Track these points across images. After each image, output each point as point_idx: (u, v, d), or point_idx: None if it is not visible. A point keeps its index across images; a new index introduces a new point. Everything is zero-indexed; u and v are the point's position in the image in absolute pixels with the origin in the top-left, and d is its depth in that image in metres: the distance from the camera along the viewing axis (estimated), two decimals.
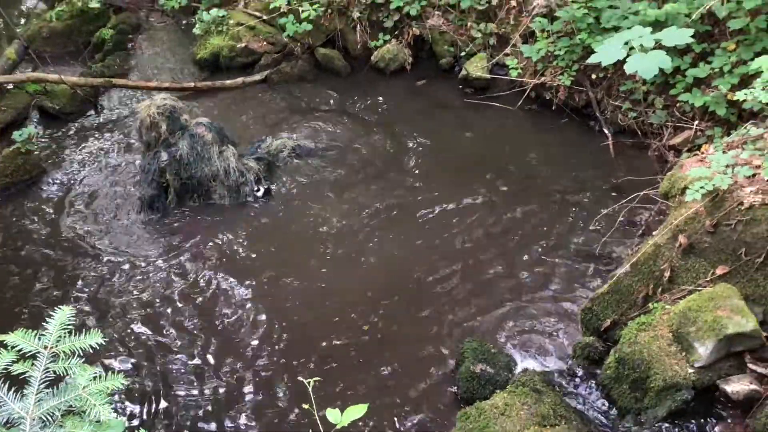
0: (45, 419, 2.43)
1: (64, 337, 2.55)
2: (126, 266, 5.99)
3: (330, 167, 7.23)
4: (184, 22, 9.68)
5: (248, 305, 5.59)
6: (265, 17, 8.89)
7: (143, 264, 6.01)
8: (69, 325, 2.57)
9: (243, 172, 6.81)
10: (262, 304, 5.61)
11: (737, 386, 4.37)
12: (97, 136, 7.69)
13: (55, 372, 2.49)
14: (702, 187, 4.68)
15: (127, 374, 4.88)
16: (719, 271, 4.68)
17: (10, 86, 7.80)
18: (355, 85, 8.57)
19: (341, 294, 5.73)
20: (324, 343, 5.27)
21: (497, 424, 4.28)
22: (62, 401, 2.47)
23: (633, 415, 4.52)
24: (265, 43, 8.80)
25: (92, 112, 8.11)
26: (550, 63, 7.72)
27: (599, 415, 4.63)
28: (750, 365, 4.41)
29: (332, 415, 2.97)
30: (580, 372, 4.91)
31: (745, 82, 6.14)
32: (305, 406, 3.03)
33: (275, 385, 4.95)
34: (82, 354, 2.51)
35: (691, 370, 4.38)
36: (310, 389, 3.01)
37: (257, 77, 8.51)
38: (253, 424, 4.69)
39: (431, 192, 6.78)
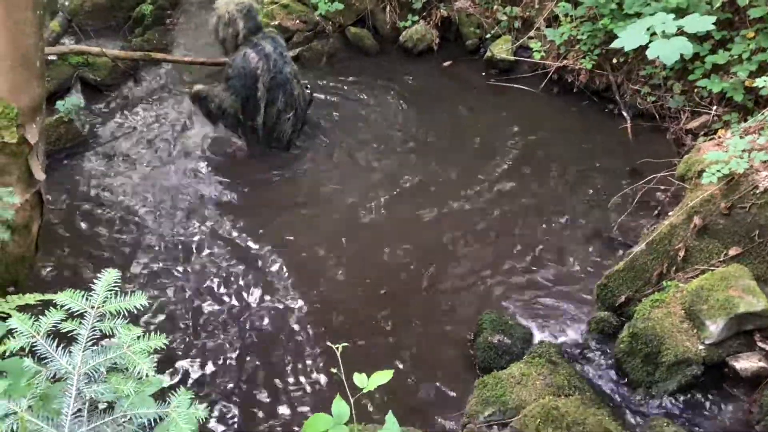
0: (91, 375, 2.48)
1: (110, 298, 2.58)
2: (166, 232, 6.03)
3: (358, 137, 7.28)
4: None
5: (282, 271, 5.64)
6: None
7: (182, 230, 6.06)
8: (114, 287, 2.60)
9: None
10: (295, 272, 5.65)
11: (746, 363, 4.37)
12: (135, 107, 7.70)
13: (101, 331, 2.54)
14: (718, 171, 4.65)
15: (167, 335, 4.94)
16: (732, 252, 4.66)
17: (54, 58, 7.81)
18: (383, 63, 8.53)
19: (360, 263, 5.76)
20: (345, 310, 5.31)
21: (513, 393, 4.30)
22: (107, 358, 2.51)
23: (644, 387, 4.52)
24: (297, 21, 8.76)
25: (131, 84, 8.12)
26: (573, 47, 7.64)
27: (612, 387, 4.63)
28: (759, 343, 4.40)
29: (359, 379, 3.00)
30: (594, 345, 4.91)
31: (764, 69, 6.06)
32: (333, 370, 3.06)
33: (305, 350, 5.00)
34: (126, 315, 2.55)
35: (701, 347, 4.38)
36: (338, 354, 3.04)
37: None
38: (283, 386, 4.74)
39: (452, 167, 6.76)
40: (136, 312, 2.58)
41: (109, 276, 2.64)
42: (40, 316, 2.55)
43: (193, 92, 6.89)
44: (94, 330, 2.53)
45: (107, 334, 2.56)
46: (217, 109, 6.71)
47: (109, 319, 2.56)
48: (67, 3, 9.26)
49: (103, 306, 2.57)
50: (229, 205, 6.37)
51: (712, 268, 4.67)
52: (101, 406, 2.52)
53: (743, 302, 4.31)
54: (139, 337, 2.58)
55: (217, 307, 5.31)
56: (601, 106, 7.54)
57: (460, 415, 4.46)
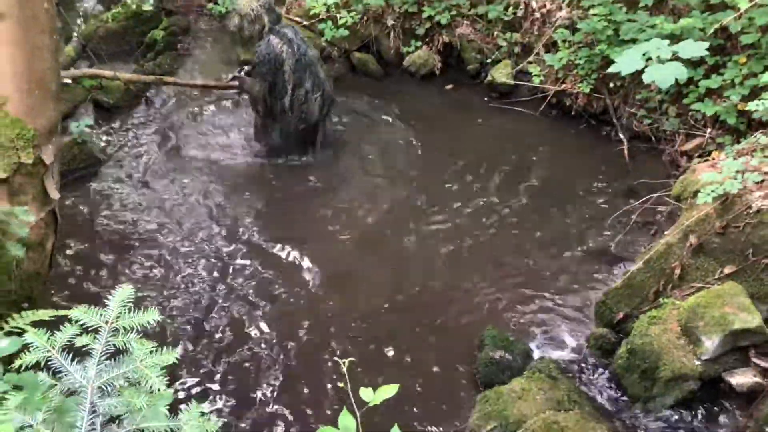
0: (104, 389, 2.47)
1: (124, 313, 2.57)
2: (180, 247, 6.03)
3: (365, 158, 7.32)
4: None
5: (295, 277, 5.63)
6: (305, 22, 8.89)
7: (194, 242, 6.05)
8: (128, 302, 2.60)
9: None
10: (305, 286, 5.65)
11: (741, 379, 4.35)
12: (147, 128, 7.72)
13: (114, 345, 2.52)
14: (713, 191, 4.65)
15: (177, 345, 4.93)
16: (727, 270, 4.65)
17: (69, 81, 7.85)
18: (387, 87, 8.57)
19: (366, 282, 5.76)
20: (353, 325, 5.30)
21: (514, 407, 4.28)
22: (121, 373, 2.49)
23: (642, 402, 4.50)
24: None
25: (143, 106, 8.16)
26: (571, 71, 7.67)
27: (610, 402, 4.61)
28: (754, 359, 4.38)
29: (365, 393, 2.98)
30: (593, 361, 4.90)
31: (755, 93, 6.06)
32: (341, 385, 3.04)
33: (312, 363, 4.98)
34: (139, 329, 2.54)
35: (698, 363, 4.36)
36: (344, 369, 3.02)
37: None
38: (292, 399, 4.72)
39: (454, 187, 6.78)
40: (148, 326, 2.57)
41: (123, 292, 2.63)
42: (55, 331, 2.53)
43: (231, 79, 7.31)
44: (108, 345, 2.51)
45: (120, 348, 2.54)
46: (249, 96, 7.04)
47: (123, 334, 2.55)
48: (82, 28, 9.35)
49: (116, 321, 2.56)
50: (241, 219, 6.38)
51: (707, 285, 4.65)
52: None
53: (738, 319, 4.30)
54: (151, 352, 2.56)
55: (224, 321, 5.30)
56: (598, 128, 7.56)
57: (463, 429, 4.44)
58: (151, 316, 2.60)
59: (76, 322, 2.54)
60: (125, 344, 2.53)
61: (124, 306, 2.59)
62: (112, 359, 2.53)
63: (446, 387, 4.81)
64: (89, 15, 10.05)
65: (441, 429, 4.51)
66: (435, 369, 4.96)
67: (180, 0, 10.32)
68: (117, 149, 7.35)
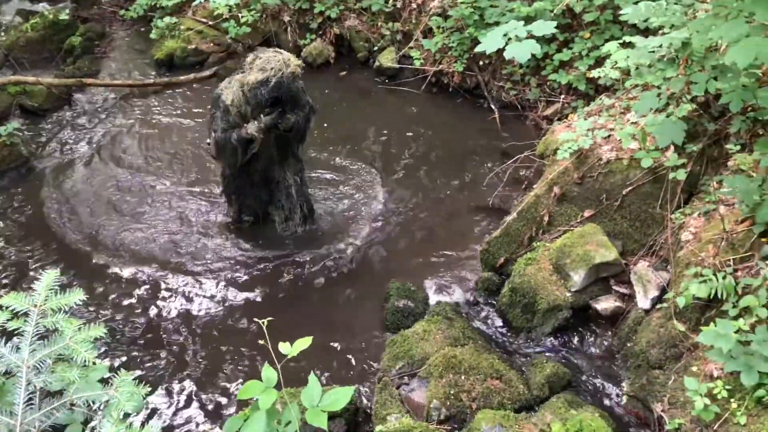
0: (38, 367, 2.38)
1: (51, 296, 2.47)
2: (105, 238, 5.70)
3: None
4: (142, 29, 9.23)
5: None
6: (210, 22, 8.54)
7: (119, 235, 5.74)
8: (54, 285, 2.50)
9: None
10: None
11: (605, 304, 4.46)
12: (71, 128, 7.30)
13: (45, 326, 2.42)
14: (569, 148, 4.73)
15: (111, 326, 4.71)
16: (586, 213, 4.74)
17: None
18: None
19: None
20: (269, 289, 5.17)
21: (418, 347, 4.27)
22: (52, 350, 2.40)
23: (525, 332, 4.57)
24: (212, 44, 8.48)
25: (67, 107, 7.70)
26: (446, 53, 7.64)
27: (499, 335, 4.66)
28: (614, 287, 4.50)
29: (284, 347, 2.89)
30: (482, 301, 4.93)
31: (599, 62, 6.19)
32: (261, 342, 2.94)
33: (236, 329, 4.84)
34: (67, 310, 2.45)
35: (568, 294, 4.44)
36: (264, 327, 2.93)
37: (207, 73, 8.18)
38: (219, 359, 4.57)
39: (351, 159, 6.66)
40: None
41: (49, 276, 2.51)
42: None
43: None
44: (38, 326, 2.40)
45: (50, 329, 2.44)
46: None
47: (51, 315, 2.44)
48: (3, 39, 8.75)
49: (44, 304, 2.44)
50: (141, 204, 6.10)
51: (571, 228, 4.74)
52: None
53: (598, 254, 4.39)
54: (79, 329, 2.46)
55: (149, 298, 5.09)
56: (473, 101, 7.58)
57: (376, 370, 4.40)
58: (76, 297, 2.50)
59: (7, 308, 2.44)
60: (54, 324, 2.44)
61: (50, 290, 2.49)
62: (44, 339, 2.43)
63: (360, 336, 4.76)
64: (9, 27, 9.36)
65: (357, 372, 4.46)
66: (349, 321, 4.90)
67: (94, 7, 9.82)
68: (44, 149, 6.91)
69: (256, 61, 4.90)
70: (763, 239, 3.68)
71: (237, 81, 4.92)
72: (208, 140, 5.26)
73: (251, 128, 4.85)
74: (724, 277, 3.66)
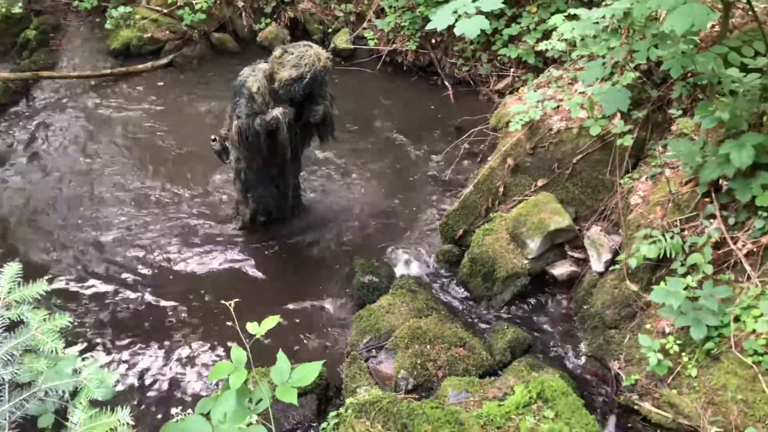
0: (6, 359, 2.29)
1: (14, 288, 2.37)
2: (60, 229, 5.55)
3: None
4: (97, 19, 8.92)
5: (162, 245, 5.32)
6: (165, 11, 8.30)
7: (77, 220, 5.60)
8: (16, 278, 2.39)
9: None
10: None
11: (561, 269, 4.50)
12: (28, 121, 7.05)
13: (10, 319, 2.31)
14: (521, 119, 4.73)
15: (78, 314, 4.59)
16: (540, 183, 4.75)
17: None
18: (245, 61, 7.97)
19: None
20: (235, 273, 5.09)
21: (384, 320, 4.26)
22: (19, 342, 2.31)
23: (486, 300, 4.59)
24: (167, 32, 8.25)
25: (24, 101, 7.44)
26: (399, 33, 7.57)
27: (461, 304, 4.68)
28: (569, 252, 4.54)
29: (252, 327, 2.84)
30: (443, 273, 4.94)
31: (546, 35, 6.18)
32: (229, 323, 2.87)
33: (204, 310, 4.76)
34: (30, 301, 2.35)
35: (526, 261, 4.47)
36: (231, 309, 2.86)
37: (164, 61, 7.98)
38: (190, 344, 4.49)
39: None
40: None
41: (11, 269, 2.40)
42: None
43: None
44: (3, 318, 2.30)
45: (16, 320, 2.33)
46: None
47: (15, 306, 2.34)
48: None
49: (8, 296, 2.34)
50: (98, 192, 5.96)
51: (526, 197, 4.75)
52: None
53: (552, 222, 4.42)
54: (45, 319, 2.37)
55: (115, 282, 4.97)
56: (427, 78, 7.54)
57: (345, 345, 4.37)
58: (41, 287, 2.40)
59: None
60: (19, 316, 2.34)
61: (13, 282, 2.38)
62: (10, 332, 2.33)
63: (328, 313, 4.73)
64: None
65: (328, 348, 4.43)
66: (317, 296, 4.85)
67: (48, 0, 9.46)
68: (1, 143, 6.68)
69: (285, 56, 4.62)
70: (706, 199, 3.73)
71: (261, 70, 4.66)
72: (214, 137, 5.06)
73: (276, 111, 4.61)
74: (671, 237, 3.71)
